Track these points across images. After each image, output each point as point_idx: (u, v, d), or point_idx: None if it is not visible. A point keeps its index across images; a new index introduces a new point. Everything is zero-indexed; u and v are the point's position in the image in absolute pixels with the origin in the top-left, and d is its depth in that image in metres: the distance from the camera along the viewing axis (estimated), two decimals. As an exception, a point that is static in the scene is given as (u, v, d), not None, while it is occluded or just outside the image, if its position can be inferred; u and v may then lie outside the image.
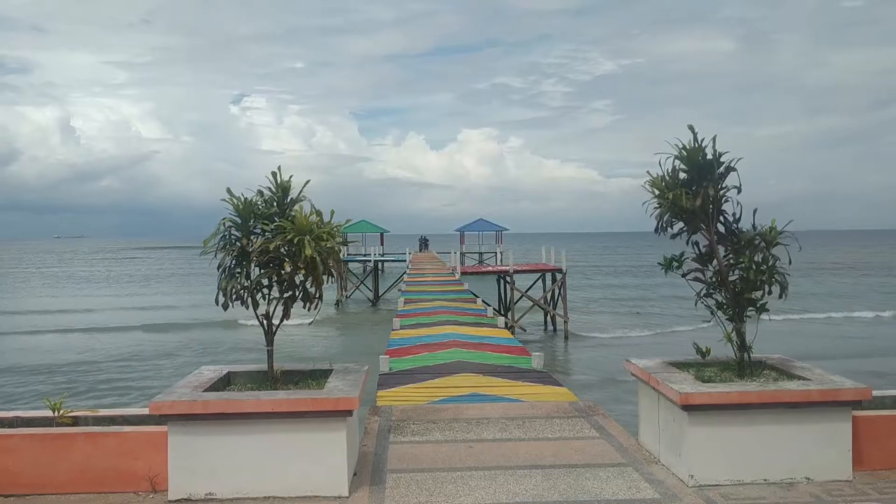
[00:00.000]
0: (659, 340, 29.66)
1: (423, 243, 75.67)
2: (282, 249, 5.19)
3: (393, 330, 15.18)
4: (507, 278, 31.58)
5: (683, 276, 6.05)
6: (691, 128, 5.53)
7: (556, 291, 32.57)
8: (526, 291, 32.58)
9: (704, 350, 5.93)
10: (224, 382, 5.84)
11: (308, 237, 5.14)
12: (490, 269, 34.20)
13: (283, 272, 5.23)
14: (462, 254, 53.13)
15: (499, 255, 35.77)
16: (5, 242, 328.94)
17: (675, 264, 6.02)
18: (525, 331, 31.76)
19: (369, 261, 49.91)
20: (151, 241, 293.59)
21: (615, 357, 24.37)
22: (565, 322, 30.77)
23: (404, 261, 48.15)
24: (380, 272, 73.60)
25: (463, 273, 31.45)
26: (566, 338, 30.39)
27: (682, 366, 6.03)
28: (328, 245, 5.26)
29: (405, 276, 31.56)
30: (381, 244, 77.23)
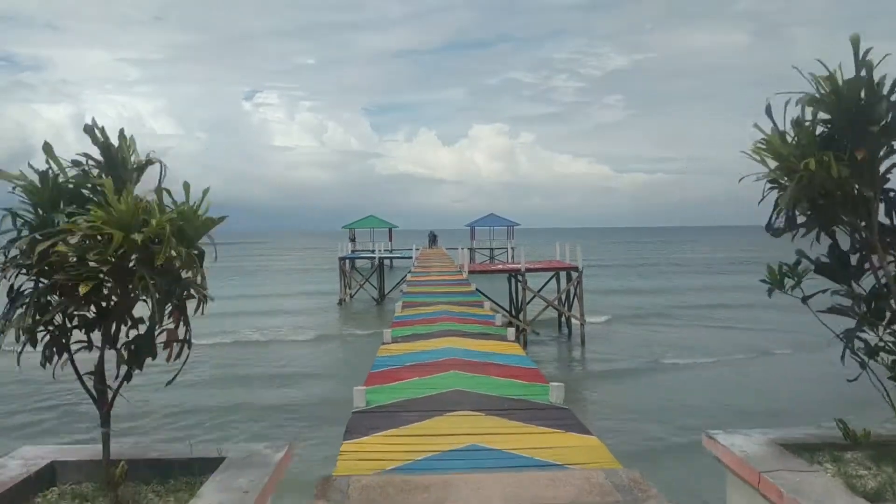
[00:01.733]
0: (706, 369, 25.69)
1: (432, 239, 73.67)
2: (88, 257, 2.83)
3: (383, 344, 12.82)
4: (519, 277, 29.19)
5: (804, 300, 3.65)
6: (855, 40, 3.08)
7: (572, 291, 30.13)
8: (539, 291, 30.12)
9: (861, 434, 3.51)
10: (41, 481, 3.51)
11: (136, 233, 2.78)
12: (500, 267, 31.75)
13: (95, 297, 2.85)
14: (472, 250, 50.87)
15: (510, 252, 33.00)
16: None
17: (789, 279, 3.62)
18: (538, 334, 29.35)
19: (374, 257, 47.54)
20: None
21: (650, 388, 21.07)
22: (582, 325, 28.32)
23: (411, 258, 45.84)
24: (389, 269, 71.13)
25: (471, 272, 29.05)
26: (583, 343, 27.92)
27: (803, 450, 3.62)
28: (181, 243, 2.89)
29: (409, 275, 29.22)
30: (390, 240, 75.11)
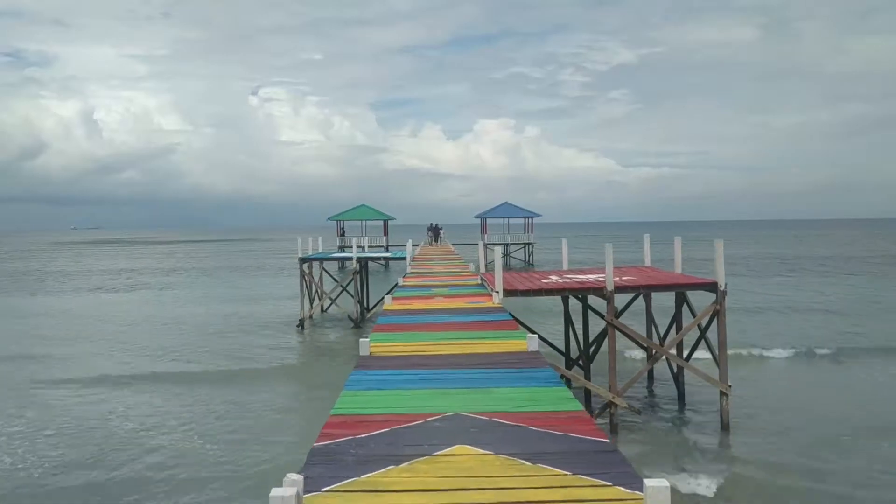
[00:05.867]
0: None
1: (433, 233, 58.72)
2: None
3: None
4: (590, 303, 15.58)
5: None
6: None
7: (701, 329, 16.18)
8: (621, 313, 16.21)
9: None
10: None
11: None
12: (559, 283, 17.14)
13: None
14: (485, 246, 37.04)
15: (564, 254, 19.36)
16: (22, 234, 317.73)
17: None
18: (639, 413, 15.63)
19: (351, 257, 33.10)
20: (156, 234, 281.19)
21: None
22: (724, 395, 14.62)
23: (403, 257, 31.63)
24: (385, 270, 56.54)
25: (508, 293, 15.13)
26: (726, 429, 14.34)
27: None
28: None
29: (388, 298, 15.30)
30: (385, 234, 61.27)
